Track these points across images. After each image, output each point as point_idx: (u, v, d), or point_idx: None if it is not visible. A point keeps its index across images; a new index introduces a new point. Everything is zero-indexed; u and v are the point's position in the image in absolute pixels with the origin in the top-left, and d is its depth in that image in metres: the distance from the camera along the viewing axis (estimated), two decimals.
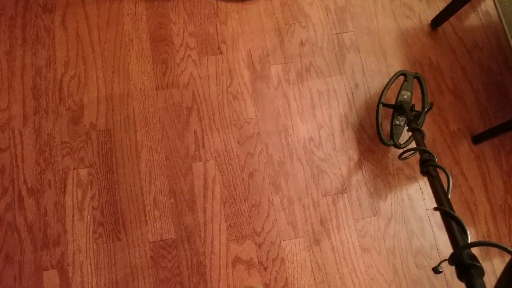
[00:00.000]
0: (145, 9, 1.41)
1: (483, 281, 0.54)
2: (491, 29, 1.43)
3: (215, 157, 1.29)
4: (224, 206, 1.25)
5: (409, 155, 0.99)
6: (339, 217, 1.25)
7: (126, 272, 1.20)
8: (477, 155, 1.31)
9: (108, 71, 1.35)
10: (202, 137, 1.31)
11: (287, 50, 1.39)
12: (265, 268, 1.21)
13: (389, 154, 1.31)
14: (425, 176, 0.85)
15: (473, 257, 0.59)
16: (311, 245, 1.23)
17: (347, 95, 1.36)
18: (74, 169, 1.27)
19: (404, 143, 1.28)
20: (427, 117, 1.34)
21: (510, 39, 1.38)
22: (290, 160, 1.30)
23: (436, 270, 0.67)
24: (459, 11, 1.41)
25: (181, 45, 1.38)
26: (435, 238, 1.24)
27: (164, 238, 1.23)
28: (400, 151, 1.28)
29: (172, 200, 1.26)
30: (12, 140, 1.28)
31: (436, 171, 0.83)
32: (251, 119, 1.33)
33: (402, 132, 1.28)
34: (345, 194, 1.27)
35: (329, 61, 1.39)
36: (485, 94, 1.37)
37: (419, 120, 1.18)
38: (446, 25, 1.41)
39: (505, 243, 1.24)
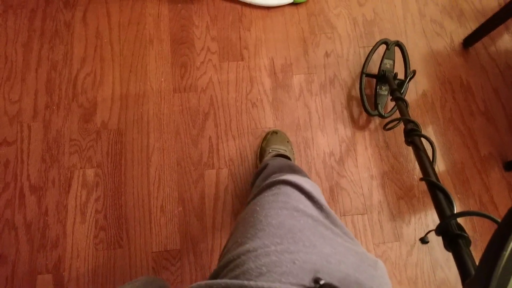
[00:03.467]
0: (168, 10, 1.38)
1: (470, 250, 0.53)
2: None
3: (229, 165, 1.22)
4: (235, 218, 1.17)
5: (394, 125, 0.96)
6: (358, 240, 1.16)
7: (125, 282, 1.11)
8: (509, 183, 1.22)
9: (125, 70, 1.31)
10: (217, 144, 1.24)
11: (311, 60, 1.34)
12: None
13: (415, 176, 1.22)
14: (410, 146, 0.82)
15: (460, 227, 0.57)
16: None
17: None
18: (81, 168, 1.21)
19: (389, 112, 1.23)
20: (456, 139, 1.26)
21: None
22: (308, 175, 1.22)
23: (423, 240, 0.64)
24: (492, 32, 1.36)
25: (202, 49, 1.34)
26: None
27: (169, 249, 1.14)
28: (385, 121, 1.24)
29: (180, 209, 1.18)
30: (20, 133, 1.23)
31: (421, 141, 0.80)
32: (269, 128, 1.26)
33: (386, 101, 1.24)
34: (366, 215, 1.18)
35: (354, 74, 1.33)
36: None
37: (402, 89, 1.14)
38: (478, 45, 1.36)
39: None
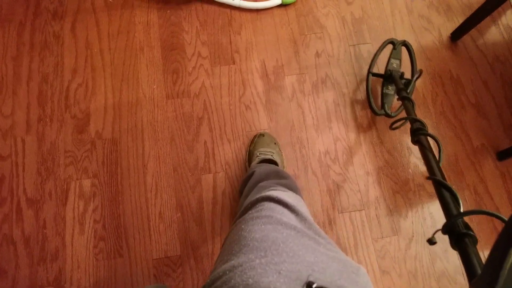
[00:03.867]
0: (157, 17, 1.38)
1: (476, 249, 0.53)
2: None
3: (226, 169, 1.23)
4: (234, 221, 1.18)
5: (400, 124, 0.97)
6: (356, 236, 1.17)
7: None
8: (502, 173, 1.24)
9: (117, 79, 1.31)
10: (213, 149, 1.24)
11: (302, 61, 1.35)
12: None
13: (410, 170, 1.24)
14: (416, 145, 0.83)
15: (467, 226, 0.57)
16: None
17: (365, 106, 1.30)
18: (77, 179, 1.20)
19: (396, 111, 1.24)
20: (448, 132, 1.28)
21: None
22: (305, 174, 1.23)
23: (430, 241, 0.63)
24: (480, 24, 1.37)
25: (193, 54, 1.34)
26: (460, 261, 1.15)
27: (169, 255, 1.15)
28: (392, 120, 1.25)
29: (179, 214, 1.18)
30: (14, 147, 1.23)
31: (427, 140, 0.81)
32: (264, 130, 1.26)
33: (392, 101, 1.24)
34: (363, 211, 1.19)
35: (345, 72, 1.34)
36: (508, 109, 1.30)
37: (409, 89, 1.15)
38: (466, 38, 1.37)
39: None
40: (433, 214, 1.20)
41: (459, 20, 1.40)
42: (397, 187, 1.22)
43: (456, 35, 1.36)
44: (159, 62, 1.33)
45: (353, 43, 1.37)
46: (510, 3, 1.41)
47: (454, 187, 0.64)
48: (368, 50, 1.36)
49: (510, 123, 1.29)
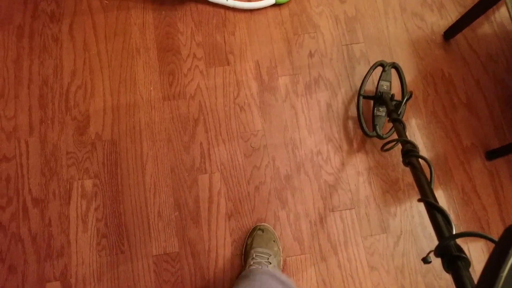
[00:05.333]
0: (152, 18, 1.40)
1: (469, 272, 0.53)
2: (506, 41, 1.38)
3: (221, 169, 1.27)
4: (229, 220, 1.23)
5: (391, 146, 0.99)
6: (346, 233, 1.22)
7: (129, 285, 1.18)
8: (491, 172, 1.27)
9: (115, 81, 1.34)
10: (208, 149, 1.29)
11: (296, 61, 1.37)
12: None
13: (400, 169, 1.27)
14: (408, 167, 0.84)
15: (459, 249, 0.57)
16: (317, 262, 1.20)
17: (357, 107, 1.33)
18: (79, 179, 1.26)
19: (387, 133, 1.26)
20: (438, 131, 1.30)
21: None
22: (297, 174, 1.27)
23: (425, 260, 0.64)
24: (474, 24, 1.38)
25: (188, 56, 1.37)
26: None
27: (168, 252, 1.21)
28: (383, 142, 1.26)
29: (177, 213, 1.24)
30: (18, 149, 1.28)
31: (418, 162, 0.81)
32: (258, 131, 1.30)
33: (383, 122, 1.26)
34: (353, 209, 1.24)
35: (338, 72, 1.36)
36: (500, 108, 1.32)
37: (399, 110, 1.17)
38: (459, 36, 1.38)
39: None
40: (421, 212, 1.24)
41: (452, 19, 1.40)
42: (387, 186, 1.26)
43: (449, 33, 1.36)
44: (155, 64, 1.36)
45: (346, 42, 1.38)
46: (505, 2, 1.41)
47: (445, 210, 0.65)
48: (360, 49, 1.37)
49: (501, 123, 1.31)
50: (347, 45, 1.38)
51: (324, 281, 1.19)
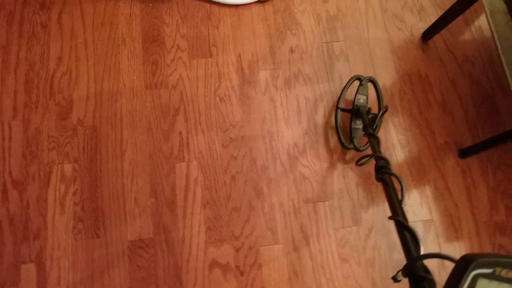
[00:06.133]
0: (139, 10, 1.43)
1: None
2: (483, 44, 1.42)
3: (199, 158, 1.29)
4: (205, 208, 1.25)
5: (366, 161, 1.00)
6: (319, 225, 1.24)
7: (102, 269, 1.20)
8: (463, 170, 1.29)
9: (99, 69, 1.37)
10: (187, 138, 1.31)
11: (277, 56, 1.40)
12: (242, 273, 1.20)
13: (373, 164, 1.29)
14: (380, 182, 0.84)
15: (425, 270, 0.58)
16: (289, 252, 1.22)
17: (334, 103, 1.35)
18: (59, 163, 1.28)
19: (364, 145, 1.29)
20: (413, 128, 1.33)
21: (501, 55, 1.38)
22: (274, 165, 1.29)
23: (395, 279, 0.66)
24: (452, 26, 1.41)
25: (172, 47, 1.40)
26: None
27: (143, 238, 1.22)
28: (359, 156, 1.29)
29: (153, 200, 1.26)
30: (1, 132, 1.30)
31: (390, 179, 0.82)
32: (237, 122, 1.33)
33: (361, 135, 1.29)
34: (327, 202, 1.26)
35: (317, 68, 1.39)
36: (474, 108, 1.35)
37: (375, 123, 1.20)
38: (437, 38, 1.41)
39: None
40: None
41: (431, 21, 1.43)
42: (360, 180, 1.28)
43: (427, 35, 1.40)
44: (140, 54, 1.39)
45: (326, 40, 1.42)
46: (483, 5, 1.45)
47: (415, 230, 0.65)
48: (340, 47, 1.41)
49: (475, 122, 1.34)
50: (327, 42, 1.42)
51: (295, 271, 1.20)
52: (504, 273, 0.41)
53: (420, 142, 1.32)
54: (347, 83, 1.32)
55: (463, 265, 0.42)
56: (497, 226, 1.24)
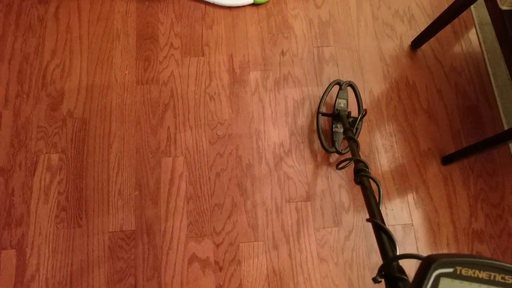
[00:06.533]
0: (135, 7, 1.46)
1: None
2: (471, 55, 1.45)
3: (185, 154, 1.31)
4: (188, 203, 1.26)
5: (345, 165, 1.02)
6: (300, 224, 1.25)
7: (82, 258, 1.20)
8: (445, 176, 1.31)
9: (92, 62, 1.39)
10: (175, 134, 1.33)
11: (268, 58, 1.42)
12: (220, 269, 1.20)
13: None
14: (359, 185, 0.86)
15: (400, 270, 0.59)
16: (269, 250, 1.22)
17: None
18: (46, 153, 1.29)
19: (346, 148, 1.31)
20: (398, 134, 1.35)
21: (488, 66, 1.40)
22: (259, 164, 1.31)
23: (375, 280, 0.67)
24: (441, 36, 1.44)
25: (166, 44, 1.42)
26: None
27: (124, 229, 1.23)
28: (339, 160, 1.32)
29: (137, 193, 1.27)
30: None
31: (369, 182, 0.83)
32: (225, 120, 1.35)
33: (342, 139, 1.31)
34: (309, 202, 1.27)
35: (307, 72, 1.41)
36: (459, 117, 1.37)
37: (355, 126, 1.22)
38: (426, 47, 1.44)
39: None
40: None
41: (421, 30, 1.46)
42: (343, 182, 1.29)
43: (416, 43, 1.42)
44: (133, 50, 1.41)
45: (317, 45, 1.44)
46: (472, 18, 1.48)
47: (391, 232, 0.67)
48: (330, 52, 1.43)
49: (458, 130, 1.36)
50: (318, 47, 1.44)
51: (274, 269, 1.20)
52: (464, 271, 0.42)
53: (404, 147, 1.34)
54: (327, 88, 1.34)
55: (426, 265, 0.44)
56: (475, 233, 1.25)
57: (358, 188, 1.28)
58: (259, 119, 1.35)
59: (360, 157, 0.96)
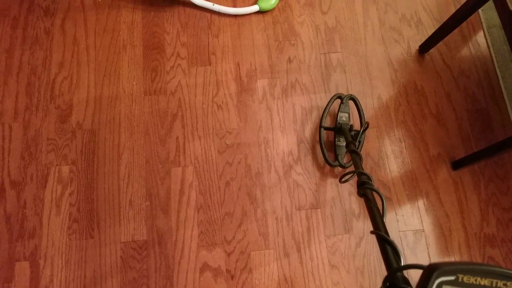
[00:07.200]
0: (141, 18, 1.47)
1: None
2: (480, 58, 1.44)
3: (194, 163, 1.31)
4: (198, 212, 1.27)
5: (349, 178, 1.02)
6: (311, 232, 1.25)
7: (95, 269, 1.21)
8: (456, 181, 1.30)
9: (100, 74, 1.40)
10: (184, 144, 1.33)
11: (275, 66, 1.42)
12: (232, 277, 1.21)
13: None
14: (362, 198, 0.86)
15: (405, 281, 0.59)
16: (280, 258, 1.23)
17: (329, 113, 1.37)
18: (57, 165, 1.30)
19: (349, 162, 1.30)
20: (407, 139, 1.34)
21: (497, 69, 1.40)
22: (268, 172, 1.31)
23: None
24: (449, 40, 1.44)
25: (172, 54, 1.43)
26: (406, 261, 1.22)
27: (136, 239, 1.24)
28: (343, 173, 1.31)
29: (148, 203, 1.27)
30: (1, 133, 1.33)
31: (372, 194, 0.84)
32: (233, 129, 1.35)
33: (345, 152, 1.31)
34: (319, 209, 1.27)
35: (314, 79, 1.41)
36: (468, 121, 1.37)
37: (357, 139, 1.23)
38: (434, 51, 1.43)
39: None
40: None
41: (428, 34, 1.46)
42: (353, 189, 1.29)
43: (424, 48, 1.42)
44: (140, 60, 1.42)
45: (324, 51, 1.44)
46: (480, 20, 1.47)
47: (395, 244, 0.67)
48: (337, 58, 1.43)
49: (468, 134, 1.35)
50: (325, 53, 1.44)
51: (285, 276, 1.21)
52: (466, 279, 0.42)
53: (414, 153, 1.33)
54: (328, 102, 1.34)
55: (428, 274, 0.44)
56: (487, 238, 1.25)
57: None
58: (267, 127, 1.36)
59: (363, 170, 0.96)
